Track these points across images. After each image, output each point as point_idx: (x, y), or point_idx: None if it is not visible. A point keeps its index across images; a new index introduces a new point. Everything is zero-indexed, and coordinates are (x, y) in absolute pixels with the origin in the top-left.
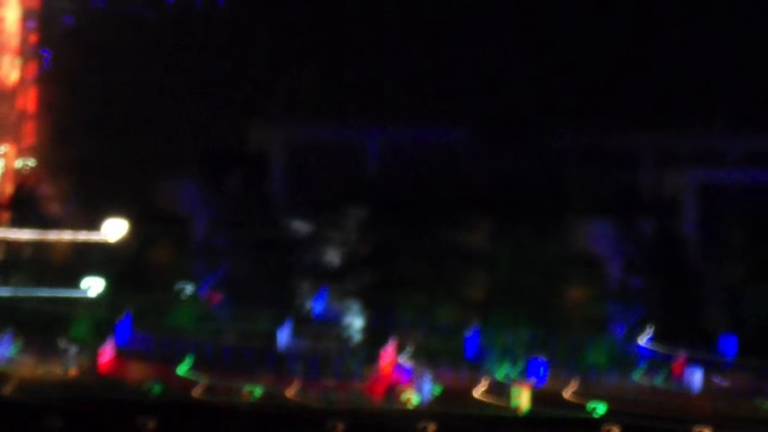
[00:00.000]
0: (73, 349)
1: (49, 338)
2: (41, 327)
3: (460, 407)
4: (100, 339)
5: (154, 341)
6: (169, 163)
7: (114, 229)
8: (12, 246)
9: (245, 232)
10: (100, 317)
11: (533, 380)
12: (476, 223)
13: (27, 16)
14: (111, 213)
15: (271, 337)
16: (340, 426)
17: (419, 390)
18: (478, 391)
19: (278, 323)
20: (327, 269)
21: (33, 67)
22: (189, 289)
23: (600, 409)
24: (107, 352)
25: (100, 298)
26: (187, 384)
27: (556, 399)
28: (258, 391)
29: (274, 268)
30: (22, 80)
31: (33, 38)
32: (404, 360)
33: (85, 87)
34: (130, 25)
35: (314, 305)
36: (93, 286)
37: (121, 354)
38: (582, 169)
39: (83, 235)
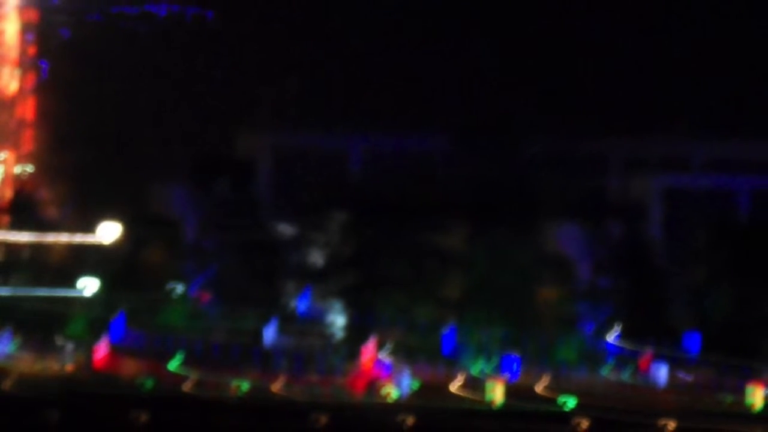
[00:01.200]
0: (70, 346)
1: (46, 335)
2: (39, 325)
3: (438, 401)
4: (95, 336)
5: (146, 338)
6: (160, 168)
7: (108, 232)
8: (11, 248)
9: (233, 234)
10: (95, 316)
11: (507, 375)
12: (453, 226)
13: (26, 29)
14: (105, 216)
15: (258, 335)
16: (323, 419)
17: (398, 385)
18: (455, 386)
19: (264, 321)
20: (311, 270)
21: (31, 78)
22: (180, 288)
23: (570, 402)
24: (102, 349)
25: (95, 297)
26: (177, 379)
27: (528, 393)
28: (245, 385)
29: (261, 269)
30: (21, 90)
31: (31, 50)
32: (384, 356)
33: (81, 96)
34: (124, 37)
35: (299, 304)
36: (88, 286)
37: (115, 350)
38: (553, 175)
39: (79, 238)
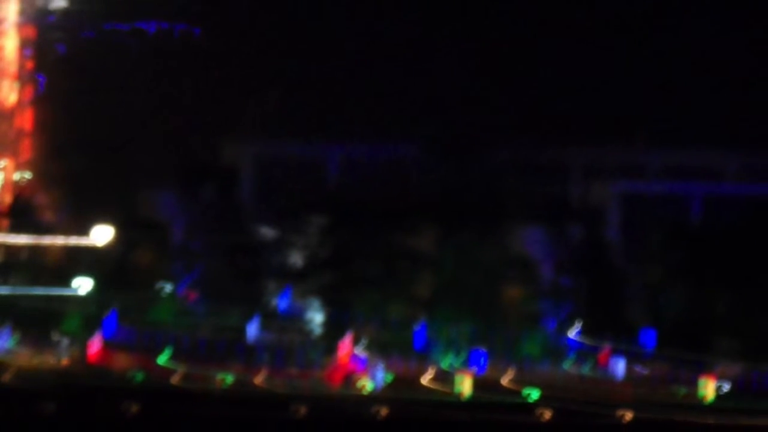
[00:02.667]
0: (65, 342)
1: (43, 332)
2: (37, 321)
3: (410, 393)
4: (89, 332)
5: (137, 334)
6: (150, 175)
7: (101, 235)
8: (10, 249)
9: (218, 237)
10: (89, 313)
11: (474, 369)
12: (423, 230)
13: (24, 44)
14: (98, 220)
15: (241, 331)
16: (303, 409)
17: (373, 378)
18: (426, 379)
19: (247, 318)
20: (291, 270)
21: (29, 90)
22: (168, 288)
23: (534, 394)
24: (95, 344)
25: (89, 296)
26: (166, 372)
27: (494, 386)
28: (229, 378)
29: (244, 269)
30: (20, 102)
31: (29, 64)
32: (359, 351)
33: (76, 108)
34: (116, 52)
35: (279, 302)
36: (82, 285)
37: (108, 346)
38: (518, 181)
39: (74, 240)
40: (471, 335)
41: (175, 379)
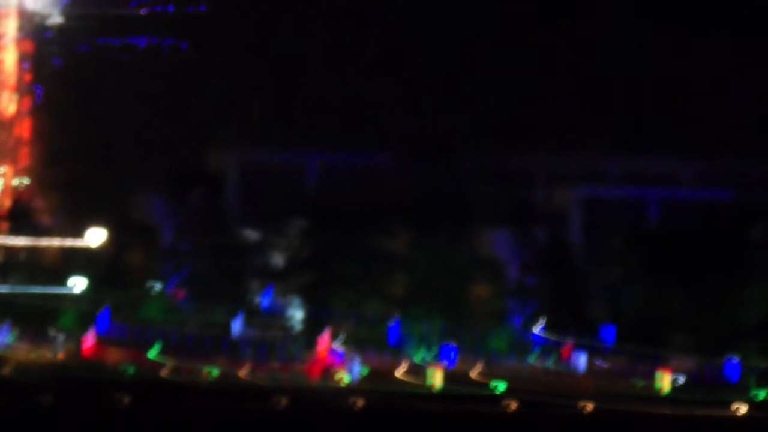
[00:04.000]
0: (61, 337)
1: (40, 327)
2: (34, 318)
3: (384, 385)
4: (84, 328)
5: (128, 330)
6: (140, 181)
7: (95, 237)
8: (10, 250)
9: (205, 239)
10: (84, 310)
11: (445, 363)
12: (397, 232)
13: (22, 58)
14: (92, 223)
15: (226, 327)
16: (284, 401)
17: (350, 371)
18: (400, 372)
19: (232, 315)
20: (273, 270)
21: (27, 101)
22: (158, 286)
23: (501, 387)
24: (89, 339)
25: (84, 294)
26: (156, 366)
27: (464, 378)
28: (215, 371)
29: (229, 269)
30: (19, 112)
31: (27, 77)
32: (337, 346)
33: (71, 117)
34: (109, 65)
35: (262, 300)
36: (77, 284)
37: (101, 341)
38: (486, 187)
39: (69, 242)
40: (442, 331)
41: (164, 373)
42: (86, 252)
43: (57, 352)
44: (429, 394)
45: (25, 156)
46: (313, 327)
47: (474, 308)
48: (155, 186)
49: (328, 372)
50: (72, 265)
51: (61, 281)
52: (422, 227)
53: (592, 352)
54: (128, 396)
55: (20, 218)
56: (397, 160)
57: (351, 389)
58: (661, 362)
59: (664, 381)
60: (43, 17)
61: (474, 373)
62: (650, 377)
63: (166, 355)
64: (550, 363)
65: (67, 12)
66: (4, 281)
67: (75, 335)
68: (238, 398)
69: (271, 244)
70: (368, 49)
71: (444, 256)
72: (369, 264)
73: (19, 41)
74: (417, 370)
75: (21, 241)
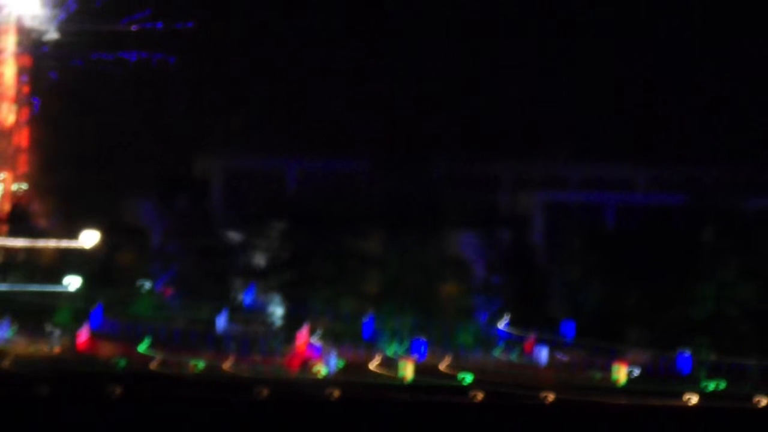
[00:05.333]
0: (57, 332)
1: (38, 323)
2: (32, 314)
3: (359, 377)
4: (78, 324)
5: (120, 326)
6: (131, 186)
7: (89, 238)
8: (9, 251)
9: (191, 240)
10: (78, 307)
11: (416, 356)
12: (372, 234)
13: (21, 72)
14: (86, 225)
15: (211, 323)
16: (265, 391)
17: (327, 363)
18: (373, 365)
19: (217, 311)
20: (255, 269)
21: (25, 112)
22: (147, 285)
23: (468, 378)
24: (83, 334)
25: (78, 292)
26: (146, 359)
27: (433, 371)
28: (201, 364)
29: (214, 269)
30: (17, 122)
31: (26, 89)
32: (315, 340)
33: (67, 127)
34: (102, 78)
35: (245, 297)
36: (72, 282)
37: (94, 336)
38: (455, 192)
39: (64, 243)
40: (413, 326)
41: (153, 365)
42: (80, 253)
43: (53, 346)
44: (401, 385)
45: (23, 163)
46: (292, 323)
47: (443, 305)
48: (145, 191)
49: (306, 365)
50: (67, 264)
51: (57, 280)
52: (395, 229)
53: (553, 346)
54: (120, 387)
55: (19, 221)
56: (372, 166)
57: (328, 381)
58: (617, 355)
59: (621, 373)
60: (40, 33)
61: (443, 366)
62: (607, 369)
63: (155, 349)
64: (513, 356)
65: (62, 28)
66: (4, 280)
67: (70, 330)
68: (222, 389)
69: (253, 245)
70: (344, 65)
71: (415, 257)
72: (345, 264)
73: (18, 56)
74: (390, 363)
75: (19, 242)
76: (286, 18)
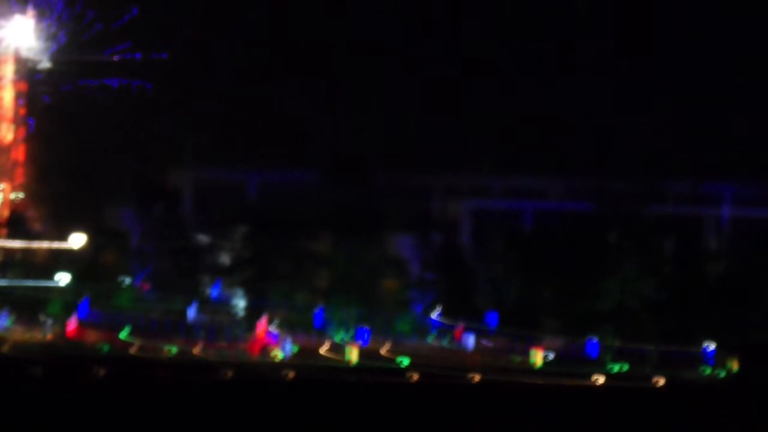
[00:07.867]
0: (50, 321)
1: (33, 314)
2: (28, 306)
3: (311, 360)
4: (68, 314)
5: (104, 316)
6: (114, 195)
7: (77, 240)
8: (8, 251)
9: (166, 242)
10: (68, 300)
11: (360, 342)
12: (322, 236)
13: (18, 96)
14: (75, 229)
15: (183, 313)
16: (230, 373)
17: (283, 349)
18: (323, 350)
19: (188, 303)
20: (220, 267)
21: (22, 131)
22: (127, 280)
23: (405, 362)
24: (72, 323)
25: (68, 286)
26: (126, 345)
27: (375, 355)
28: (174, 349)
29: (185, 267)
30: (15, 139)
31: (22, 111)
32: (273, 328)
33: (57, 144)
34: (88, 102)
35: (212, 291)
36: (63, 278)
37: (82, 325)
38: (393, 199)
39: (56, 244)
40: (358, 317)
41: (133, 350)
42: (70, 253)
43: (46, 333)
44: (347, 368)
45: (20, 175)
46: (253, 313)
47: (383, 298)
48: (125, 199)
49: (265, 350)
50: (58, 263)
51: (50, 276)
52: (342, 233)
53: (479, 334)
54: (104, 369)
55: (16, 225)
56: (322, 178)
57: (284, 364)
58: (534, 342)
59: (537, 357)
60: (35, 62)
61: (383, 351)
62: (526, 354)
63: (135, 336)
64: (445, 342)
65: (54, 58)
66: (3, 276)
67: (61, 320)
68: (192, 371)
69: (218, 246)
70: (297, 93)
71: (359, 256)
72: (298, 262)
73: (15, 82)
74: (337, 348)
75: (17, 243)
76: (246, 52)
